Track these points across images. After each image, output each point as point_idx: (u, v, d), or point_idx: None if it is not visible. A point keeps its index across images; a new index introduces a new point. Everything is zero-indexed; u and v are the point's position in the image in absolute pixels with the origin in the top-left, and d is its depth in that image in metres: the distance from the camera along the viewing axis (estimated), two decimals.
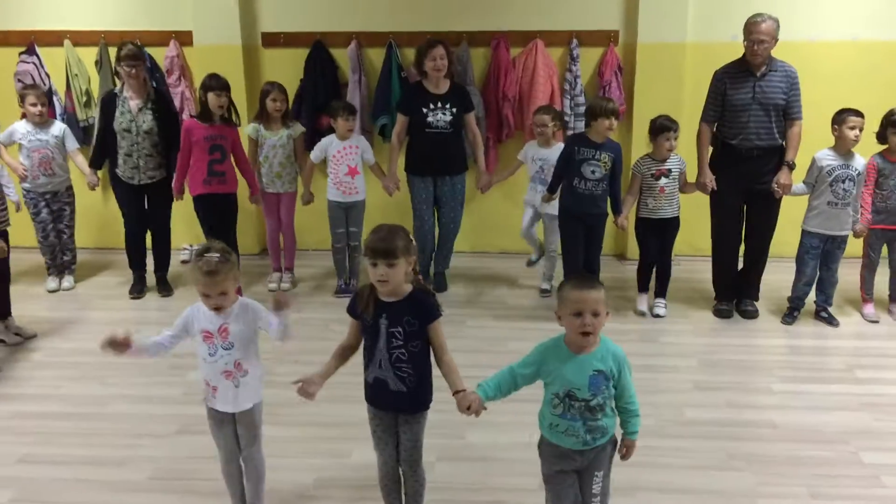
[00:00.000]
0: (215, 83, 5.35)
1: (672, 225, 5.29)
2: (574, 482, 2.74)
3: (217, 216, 5.56)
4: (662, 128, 5.13)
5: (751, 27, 4.93)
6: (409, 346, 2.80)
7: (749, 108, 4.99)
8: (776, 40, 4.94)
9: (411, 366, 2.82)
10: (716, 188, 5.15)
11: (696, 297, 5.76)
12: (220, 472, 3.15)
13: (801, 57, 5.99)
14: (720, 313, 5.43)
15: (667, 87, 6.10)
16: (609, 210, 5.17)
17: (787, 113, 5.03)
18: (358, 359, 2.93)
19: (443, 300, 5.55)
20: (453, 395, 2.73)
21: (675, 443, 3.82)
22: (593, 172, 4.99)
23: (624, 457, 2.77)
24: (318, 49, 6.32)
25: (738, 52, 5.41)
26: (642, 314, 5.44)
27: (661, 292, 5.48)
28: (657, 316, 5.40)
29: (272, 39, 6.45)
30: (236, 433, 3.07)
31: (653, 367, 4.63)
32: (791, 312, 5.31)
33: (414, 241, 2.84)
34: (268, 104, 5.61)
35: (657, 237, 5.30)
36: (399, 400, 2.87)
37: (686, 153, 5.36)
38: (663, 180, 5.17)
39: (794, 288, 5.31)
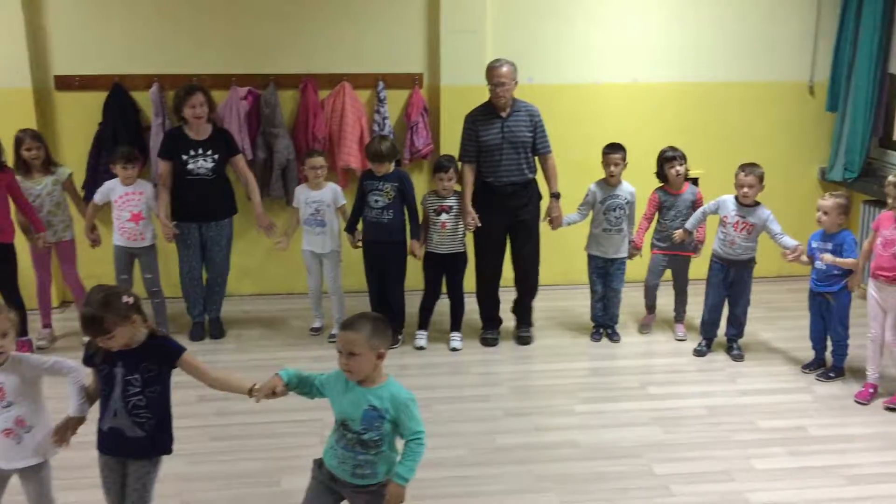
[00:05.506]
0: None
1: (458, 259, 5.49)
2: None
3: None
4: (440, 167, 5.36)
5: (492, 72, 5.22)
6: (146, 392, 2.83)
7: (501, 148, 5.26)
8: (516, 82, 5.26)
9: (149, 411, 2.86)
10: (480, 224, 5.34)
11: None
12: None
13: (588, 98, 6.49)
14: (487, 342, 5.60)
15: None
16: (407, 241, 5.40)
17: (536, 149, 5.35)
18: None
19: (219, 346, 5.55)
20: (249, 392, 2.86)
21: (486, 470, 3.99)
22: (376, 202, 5.27)
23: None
24: (118, 92, 6.09)
25: (535, 93, 5.79)
26: (421, 349, 5.50)
27: (455, 326, 5.61)
28: (454, 349, 5.49)
29: (66, 82, 6.14)
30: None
31: (464, 398, 4.81)
32: (597, 329, 5.69)
33: (132, 299, 2.83)
34: (23, 154, 5.26)
35: (444, 272, 5.49)
36: (136, 445, 2.89)
37: None
38: (444, 216, 5.37)
39: (591, 307, 5.70)
